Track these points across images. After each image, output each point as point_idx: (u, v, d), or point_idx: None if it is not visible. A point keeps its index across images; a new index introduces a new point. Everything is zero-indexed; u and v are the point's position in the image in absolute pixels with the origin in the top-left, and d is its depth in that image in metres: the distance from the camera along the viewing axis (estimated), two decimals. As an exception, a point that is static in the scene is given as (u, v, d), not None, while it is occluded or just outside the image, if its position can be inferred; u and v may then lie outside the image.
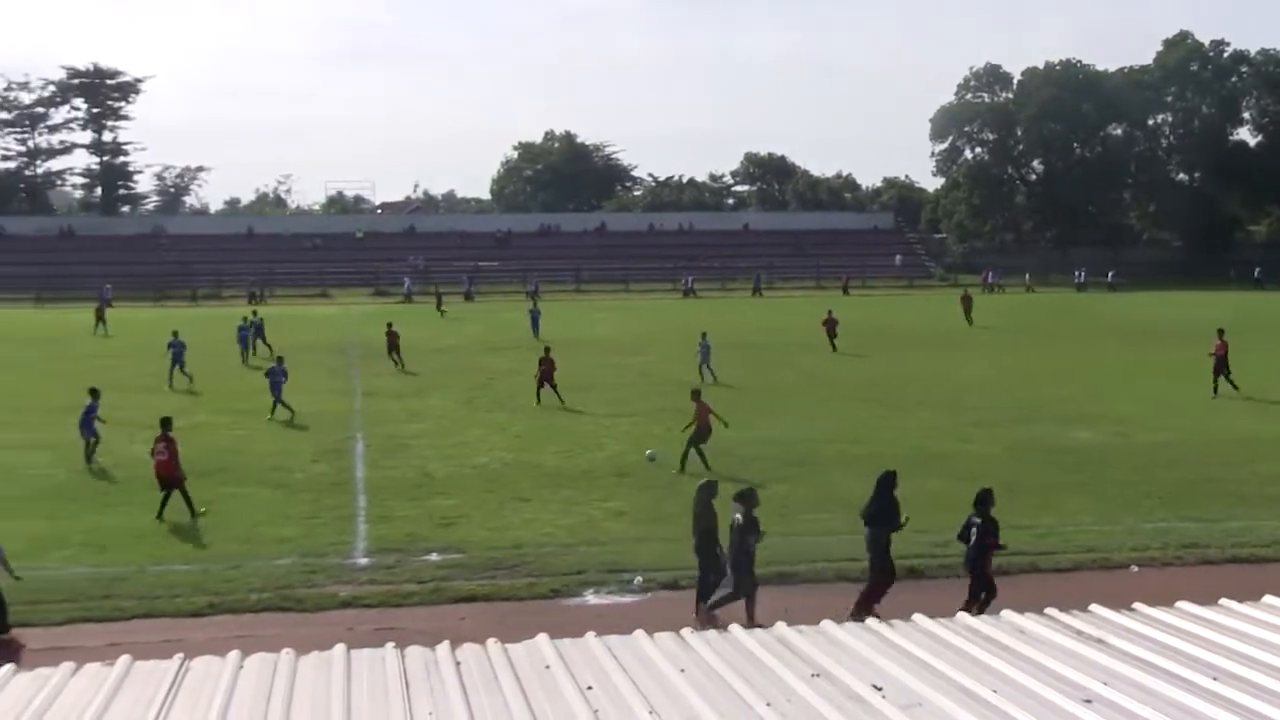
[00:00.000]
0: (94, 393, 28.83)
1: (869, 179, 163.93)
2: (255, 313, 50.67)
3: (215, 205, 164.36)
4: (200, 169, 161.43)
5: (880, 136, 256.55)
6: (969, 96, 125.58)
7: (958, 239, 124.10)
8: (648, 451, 26.99)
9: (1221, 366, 36.83)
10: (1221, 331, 37.62)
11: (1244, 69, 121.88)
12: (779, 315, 72.73)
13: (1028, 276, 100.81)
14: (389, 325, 47.35)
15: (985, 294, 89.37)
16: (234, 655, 8.41)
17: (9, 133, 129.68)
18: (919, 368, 44.88)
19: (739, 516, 17.21)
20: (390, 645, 8.65)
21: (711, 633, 8.86)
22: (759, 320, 68.72)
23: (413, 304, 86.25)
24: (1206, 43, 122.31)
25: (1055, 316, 70.66)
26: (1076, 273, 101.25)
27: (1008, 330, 61.12)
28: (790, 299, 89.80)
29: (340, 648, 8.54)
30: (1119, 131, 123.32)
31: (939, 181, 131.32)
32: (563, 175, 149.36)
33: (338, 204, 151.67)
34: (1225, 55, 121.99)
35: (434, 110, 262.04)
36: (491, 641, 8.67)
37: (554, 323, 63.32)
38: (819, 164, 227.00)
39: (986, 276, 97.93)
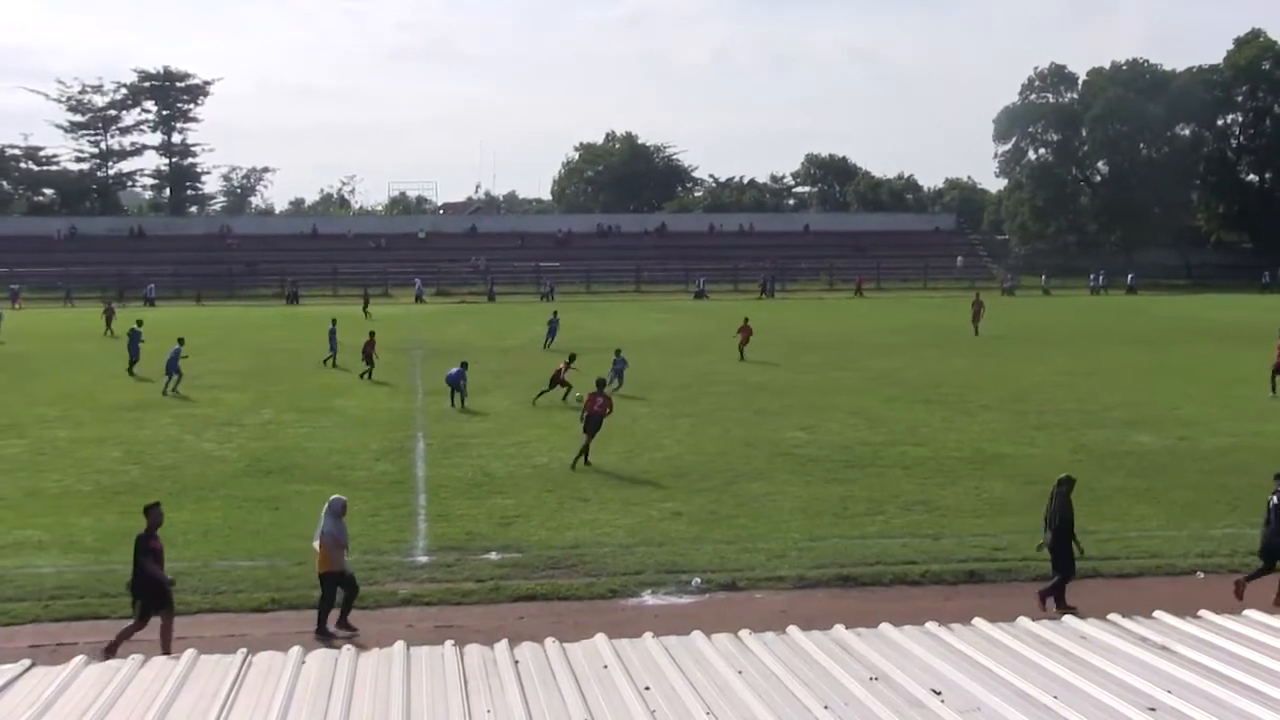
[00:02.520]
0: None
1: (931, 180, 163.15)
2: (140, 322, 48.63)
3: (280, 206, 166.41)
4: (266, 170, 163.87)
5: (942, 137, 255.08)
6: (1033, 97, 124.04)
7: (1020, 241, 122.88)
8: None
9: None
10: None
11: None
12: (843, 317, 72.53)
13: (1044, 278, 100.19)
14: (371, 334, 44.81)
15: (1002, 296, 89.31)
16: (296, 650, 8.51)
17: (83, 135, 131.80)
18: (982, 369, 44.54)
19: (1274, 499, 17.67)
20: (449, 643, 8.72)
21: (769, 634, 8.85)
22: (817, 323, 68.53)
23: (424, 304, 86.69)
24: (1279, 41, 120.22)
25: (1075, 318, 69.85)
26: (1092, 276, 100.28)
27: (1048, 333, 60.51)
28: (804, 299, 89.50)
29: (400, 645, 8.62)
30: (1187, 132, 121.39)
31: (1002, 183, 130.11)
32: (623, 176, 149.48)
33: (400, 204, 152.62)
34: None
35: (496, 111, 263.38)
36: (549, 640, 8.72)
37: (613, 323, 63.47)
38: (880, 165, 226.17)
39: (1006, 279, 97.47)
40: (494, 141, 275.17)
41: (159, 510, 16.06)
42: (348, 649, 8.59)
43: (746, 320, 50.39)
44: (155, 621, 15.50)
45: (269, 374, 43.36)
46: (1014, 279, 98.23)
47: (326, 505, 17.07)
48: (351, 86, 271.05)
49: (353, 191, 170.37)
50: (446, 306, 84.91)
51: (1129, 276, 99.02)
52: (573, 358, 37.98)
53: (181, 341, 40.61)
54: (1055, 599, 17.12)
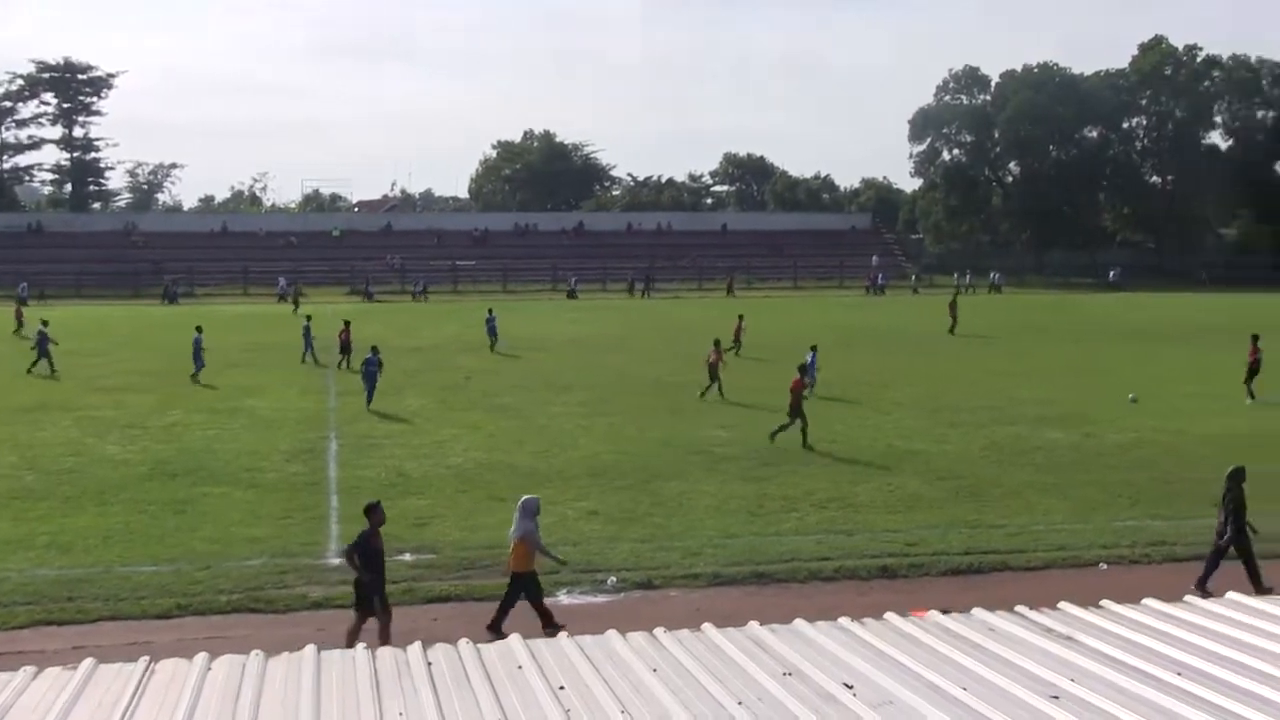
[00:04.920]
0: None
1: (847, 180, 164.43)
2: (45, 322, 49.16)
3: (189, 203, 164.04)
4: (174, 166, 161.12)
5: (859, 138, 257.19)
6: (947, 98, 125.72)
7: (934, 240, 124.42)
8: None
9: (1255, 370, 36.66)
10: (1256, 338, 37.35)
11: (1216, 73, 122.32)
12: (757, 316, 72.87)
13: (914, 278, 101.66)
14: (346, 323, 47.38)
15: (873, 294, 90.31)
16: (201, 657, 8.35)
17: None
18: (895, 368, 44.95)
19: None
20: (361, 646, 8.64)
21: (684, 632, 8.85)
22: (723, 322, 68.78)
23: (286, 303, 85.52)
24: (1180, 47, 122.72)
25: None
26: (956, 275, 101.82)
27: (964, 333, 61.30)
28: (681, 299, 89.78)
29: (310, 648, 8.50)
30: (1094, 134, 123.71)
31: (917, 183, 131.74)
32: (541, 174, 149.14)
33: (314, 202, 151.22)
34: (1198, 60, 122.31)
35: (413, 108, 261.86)
36: (464, 641, 8.66)
37: (529, 322, 63.30)
38: (797, 165, 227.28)
39: (876, 278, 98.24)
40: (411, 138, 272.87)
41: (380, 510, 16.04)
42: (255, 654, 8.46)
43: (741, 318, 50.80)
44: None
45: (178, 375, 42.60)
46: (884, 279, 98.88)
47: (520, 505, 16.90)
48: (265, 82, 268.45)
49: (265, 188, 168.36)
50: (348, 306, 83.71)
51: (993, 275, 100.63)
52: (718, 342, 39.46)
53: (200, 330, 41.06)
54: (1251, 578, 17.78)
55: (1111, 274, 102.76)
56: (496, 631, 15.73)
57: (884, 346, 53.12)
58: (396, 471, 26.66)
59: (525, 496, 17.36)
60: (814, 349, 39.50)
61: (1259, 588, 17.34)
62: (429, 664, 8.18)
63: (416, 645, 8.60)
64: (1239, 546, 18.09)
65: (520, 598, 16.54)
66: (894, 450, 28.80)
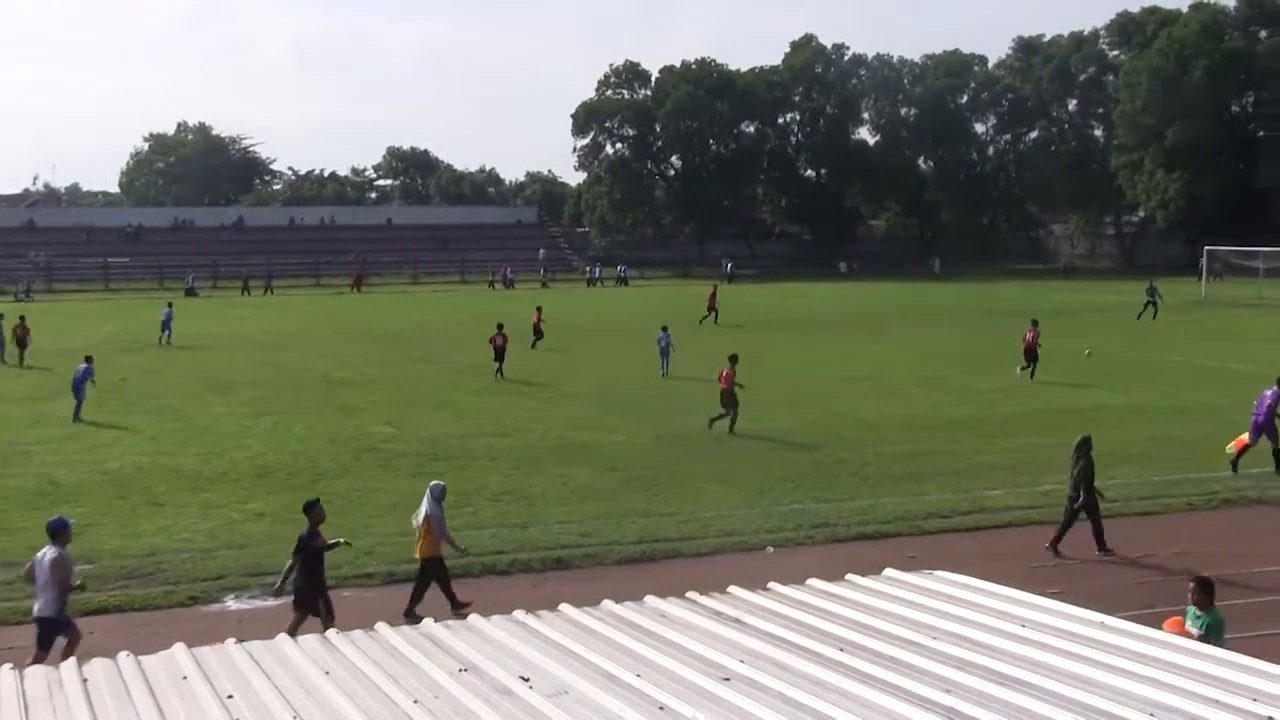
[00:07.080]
0: None
1: (513, 173, 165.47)
2: None
3: None
4: None
5: (523, 131, 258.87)
6: (609, 93, 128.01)
7: (600, 233, 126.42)
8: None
9: (1031, 352, 38.65)
10: (1035, 322, 39.33)
11: (862, 72, 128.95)
12: (414, 310, 72.45)
13: (542, 271, 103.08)
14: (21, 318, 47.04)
15: (496, 289, 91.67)
16: None
17: None
18: (567, 360, 45.46)
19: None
20: (7, 666, 8.12)
21: (358, 633, 8.72)
22: (385, 314, 68.21)
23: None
24: (829, 46, 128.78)
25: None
26: (588, 268, 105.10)
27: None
28: (344, 295, 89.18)
29: (-53, 675, 7.96)
30: (752, 129, 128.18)
31: (582, 176, 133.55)
32: (198, 168, 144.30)
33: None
34: (846, 58, 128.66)
35: (56, 98, 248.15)
36: (123, 654, 8.28)
37: (192, 320, 61.03)
38: (462, 158, 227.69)
39: (505, 272, 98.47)
40: (54, 130, 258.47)
41: (320, 508, 16.24)
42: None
43: (539, 310, 50.50)
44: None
45: None
46: (514, 273, 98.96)
47: (428, 489, 17.49)
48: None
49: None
50: None
51: (620, 269, 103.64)
52: (500, 325, 40.71)
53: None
54: (1096, 537, 19.73)
55: (728, 266, 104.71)
56: (413, 617, 15.50)
57: (557, 341, 53.57)
58: (47, 479, 25.24)
59: (433, 481, 17.96)
60: (665, 329, 40.66)
61: (1101, 547, 19.60)
62: (84, 680, 7.78)
63: (71, 661, 8.17)
64: (1088, 509, 19.72)
65: (430, 583, 17.04)
66: (567, 442, 29.11)
